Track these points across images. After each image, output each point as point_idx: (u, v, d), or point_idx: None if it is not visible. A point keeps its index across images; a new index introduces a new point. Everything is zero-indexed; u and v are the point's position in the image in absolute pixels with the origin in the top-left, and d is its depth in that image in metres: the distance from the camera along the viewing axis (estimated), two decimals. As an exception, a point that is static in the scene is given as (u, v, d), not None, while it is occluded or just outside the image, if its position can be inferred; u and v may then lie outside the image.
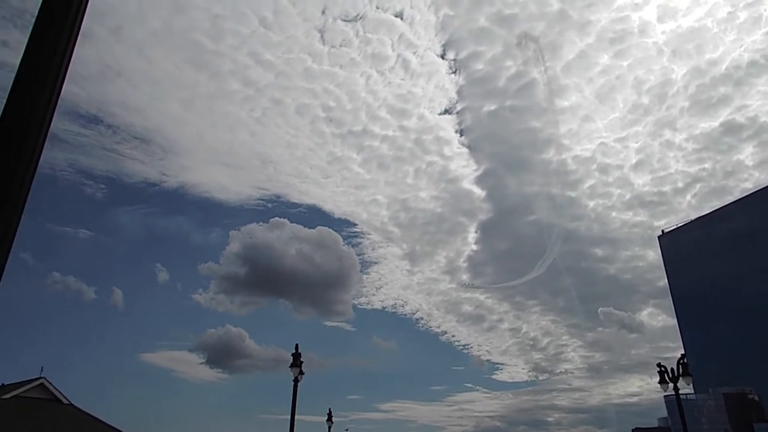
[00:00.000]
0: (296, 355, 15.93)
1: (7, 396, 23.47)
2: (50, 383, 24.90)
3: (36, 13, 2.40)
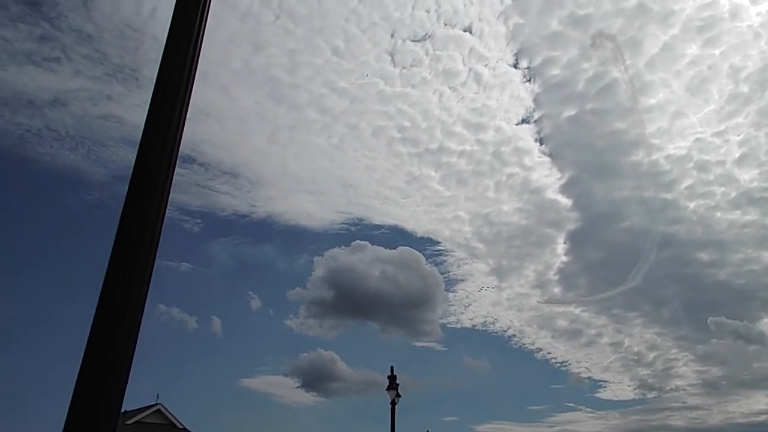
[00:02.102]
0: (392, 378, 16.01)
1: (129, 422, 25.39)
2: (166, 409, 26.67)
3: (157, 71, 2.64)
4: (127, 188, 2.36)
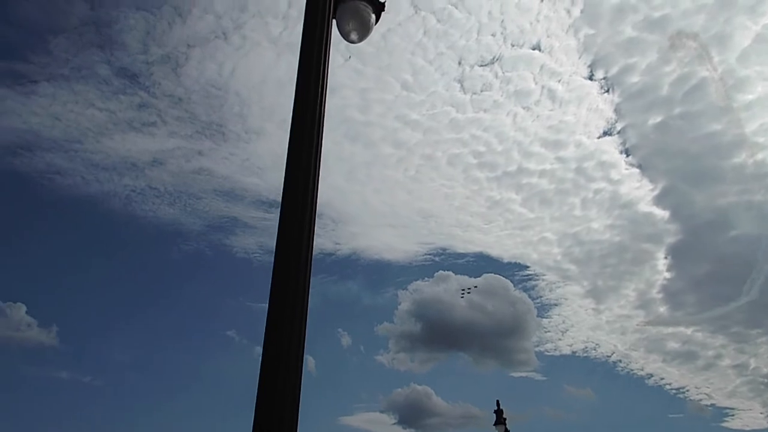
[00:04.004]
0: (499, 412, 15.48)
1: (239, 461, 26.15)
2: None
3: (290, 129, 2.86)
4: (275, 243, 2.54)
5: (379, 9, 4.53)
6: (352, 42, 4.53)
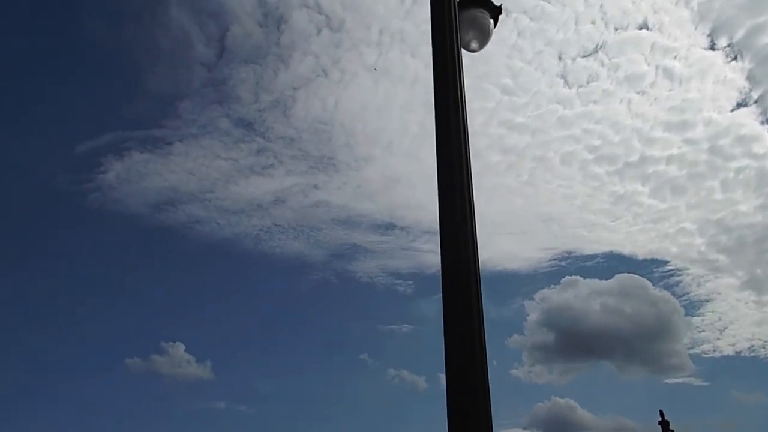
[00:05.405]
0: (664, 424, 14.00)
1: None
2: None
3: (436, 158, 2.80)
4: (441, 270, 2.46)
5: (496, 13, 4.36)
6: (473, 51, 4.40)
